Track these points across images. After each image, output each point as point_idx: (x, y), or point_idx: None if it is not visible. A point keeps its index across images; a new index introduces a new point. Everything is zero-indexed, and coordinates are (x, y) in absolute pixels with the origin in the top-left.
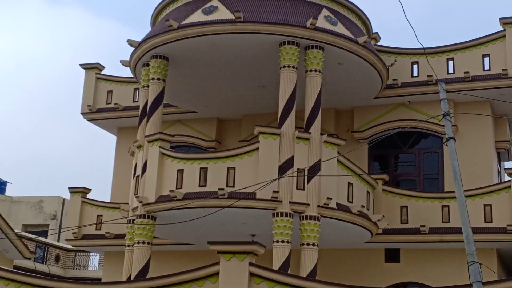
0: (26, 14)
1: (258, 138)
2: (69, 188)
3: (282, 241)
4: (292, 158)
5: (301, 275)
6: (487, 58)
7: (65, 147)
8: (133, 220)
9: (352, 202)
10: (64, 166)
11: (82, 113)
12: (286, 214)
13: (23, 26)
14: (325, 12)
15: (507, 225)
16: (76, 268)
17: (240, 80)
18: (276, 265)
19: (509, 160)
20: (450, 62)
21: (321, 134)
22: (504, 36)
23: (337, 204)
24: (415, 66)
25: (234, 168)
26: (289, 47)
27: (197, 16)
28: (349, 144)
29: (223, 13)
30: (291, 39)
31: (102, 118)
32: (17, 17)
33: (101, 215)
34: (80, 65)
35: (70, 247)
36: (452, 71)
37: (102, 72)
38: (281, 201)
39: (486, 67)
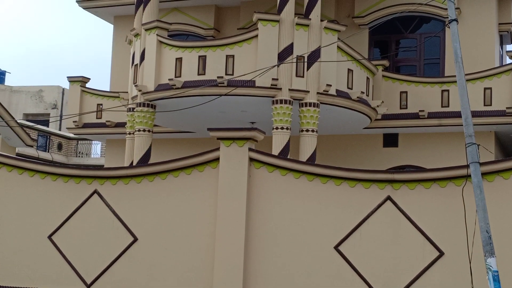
0: None
1: (257, 25)
2: (68, 77)
3: (282, 128)
4: (291, 45)
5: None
6: None
7: (63, 37)
8: (133, 108)
9: (351, 89)
10: (62, 56)
11: (77, 1)
12: (285, 101)
13: None
14: None
15: (507, 107)
16: (79, 156)
17: None
18: (275, 151)
19: (511, 43)
20: None
21: (321, 20)
22: None
23: (337, 90)
24: None
25: (233, 56)
26: None
27: None
28: (350, 30)
29: None
30: None
31: (97, 6)
32: None
33: (101, 104)
34: None
35: (71, 135)
36: None
37: None
38: (280, 89)
39: None
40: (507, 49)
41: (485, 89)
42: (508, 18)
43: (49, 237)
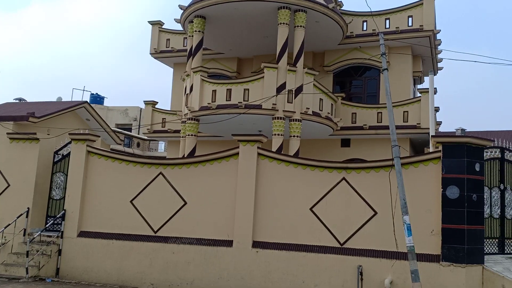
0: None
1: (263, 70)
2: (144, 101)
3: (278, 134)
4: (284, 83)
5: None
6: (411, 18)
7: (142, 75)
8: (185, 121)
9: (322, 110)
10: (140, 87)
11: (150, 53)
12: (280, 118)
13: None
14: None
15: (417, 123)
16: (150, 150)
17: (252, 32)
18: (274, 149)
19: (420, 84)
20: (387, 20)
21: (303, 68)
22: (422, 3)
23: (313, 111)
24: (365, 23)
25: (248, 89)
26: (284, 11)
27: None
28: (321, 74)
29: None
30: (285, 5)
31: (163, 57)
32: None
33: (165, 118)
34: (149, 21)
35: (146, 137)
36: (388, 26)
37: (163, 27)
38: (277, 110)
39: (410, 24)
40: (418, 87)
41: (404, 111)
42: (418, 68)
43: (131, 201)
